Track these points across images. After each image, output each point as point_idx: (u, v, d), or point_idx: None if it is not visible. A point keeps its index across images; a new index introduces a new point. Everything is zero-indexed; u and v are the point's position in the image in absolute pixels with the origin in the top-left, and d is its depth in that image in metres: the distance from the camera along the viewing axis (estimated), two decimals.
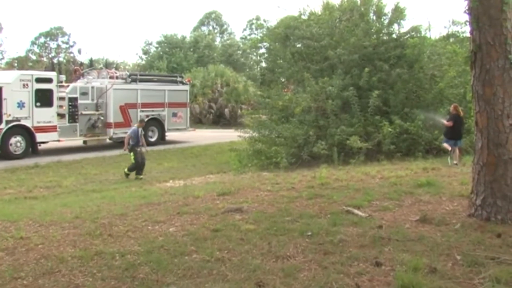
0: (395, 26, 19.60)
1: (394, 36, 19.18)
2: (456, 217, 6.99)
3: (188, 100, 27.88)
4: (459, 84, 16.82)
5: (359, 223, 6.92)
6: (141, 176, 15.92)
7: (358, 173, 12.49)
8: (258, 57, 62.43)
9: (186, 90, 27.15)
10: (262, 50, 61.01)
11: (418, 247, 5.73)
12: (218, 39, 65.97)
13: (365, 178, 11.61)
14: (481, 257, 5.30)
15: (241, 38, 66.84)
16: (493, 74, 6.49)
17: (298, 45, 21.10)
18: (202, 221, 7.59)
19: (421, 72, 17.51)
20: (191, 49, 54.03)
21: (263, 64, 57.83)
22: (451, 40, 21.46)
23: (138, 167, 16.06)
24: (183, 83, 27.01)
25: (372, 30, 19.23)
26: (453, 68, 17.18)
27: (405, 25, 19.62)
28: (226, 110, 40.10)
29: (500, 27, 6.44)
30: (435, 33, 33.23)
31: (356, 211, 7.68)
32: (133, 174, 16.21)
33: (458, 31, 23.12)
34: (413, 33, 18.87)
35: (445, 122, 13.89)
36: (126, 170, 16.10)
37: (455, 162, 13.48)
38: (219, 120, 40.26)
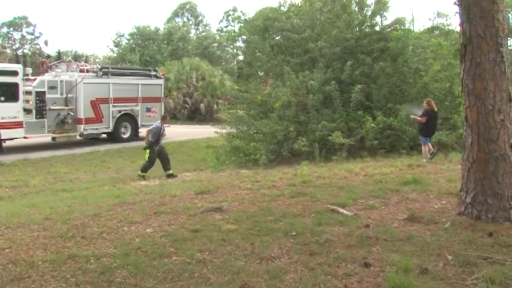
0: (378, 18, 19.70)
1: (377, 28, 19.25)
2: (445, 216, 7.01)
3: (163, 95, 27.64)
4: (444, 78, 16.94)
5: (345, 222, 6.90)
6: (146, 174, 15.22)
7: (341, 170, 12.50)
8: (235, 50, 62.38)
9: (160, 84, 26.92)
10: (239, 43, 61.23)
11: (407, 247, 5.73)
12: (193, 31, 65.60)
13: (349, 175, 11.63)
14: (473, 257, 5.31)
15: (217, 30, 66.73)
16: (484, 67, 6.50)
17: (277, 38, 21.08)
18: (181, 221, 7.48)
19: (405, 66, 17.58)
20: (165, 42, 53.62)
21: (240, 58, 57.98)
22: (436, 32, 21.61)
23: (149, 166, 15.36)
24: (157, 77, 26.76)
25: (355, 22, 19.27)
26: (438, 61, 17.30)
27: (389, 17, 19.74)
28: (202, 105, 39.90)
29: (491, 19, 6.45)
30: (419, 26, 33.63)
31: (341, 209, 7.67)
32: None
33: (443, 23, 23.36)
34: (396, 25, 18.94)
35: (418, 118, 13.85)
36: (139, 172, 15.30)
37: (430, 157, 13.53)
38: (194, 116, 40.04)
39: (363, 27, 19.24)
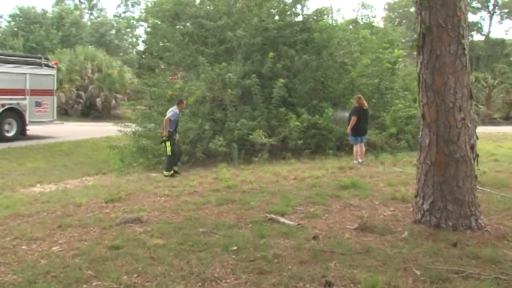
0: (300, 7, 19.66)
1: (300, 18, 19.21)
2: (400, 224, 6.90)
3: (55, 87, 26.01)
4: (373, 74, 17.19)
5: (290, 234, 6.59)
6: (172, 172, 13.70)
7: (266, 173, 12.34)
8: (135, 39, 60.82)
9: (53, 75, 25.17)
10: (140, 31, 59.63)
11: (368, 261, 5.49)
12: (86, 16, 63.09)
13: (277, 179, 11.53)
14: (444, 271, 5.16)
15: (115, 16, 64.60)
16: (444, 60, 6.42)
17: (189, 25, 20.54)
18: (94, 235, 6.86)
19: (330, 60, 17.65)
20: (54, 27, 50.84)
21: (140, 47, 56.49)
22: (354, 25, 21.97)
23: (175, 160, 14.00)
24: (48, 66, 25.01)
25: (273, 11, 19.12)
26: (366, 55, 17.53)
27: (311, 7, 19.81)
28: (98, 100, 38.28)
29: (453, 8, 6.38)
30: (340, 17, 34.38)
31: (281, 219, 7.37)
32: None
33: (367, 15, 23.91)
34: (319, 16, 18.96)
35: (352, 123, 13.79)
36: (165, 172, 13.77)
37: (360, 160, 13.62)
38: (90, 112, 38.38)
39: (284, 16, 19.10)
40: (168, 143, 13.73)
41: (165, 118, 13.81)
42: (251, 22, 17.93)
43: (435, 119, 6.51)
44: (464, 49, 6.42)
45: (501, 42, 51.73)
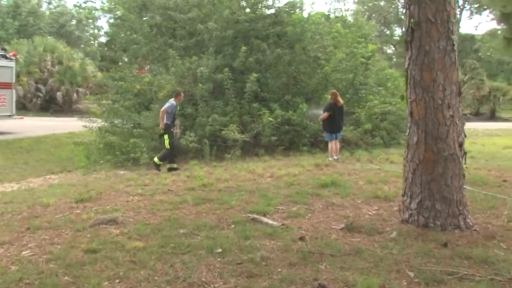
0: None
1: (272, 10, 19.13)
2: (387, 224, 6.89)
3: (14, 80, 25.34)
4: (347, 69, 17.24)
5: (275, 235, 6.51)
6: (175, 165, 13.63)
7: (240, 171, 12.25)
8: (97, 30, 59.84)
9: (11, 67, 24.52)
10: (102, 21, 58.57)
11: (359, 263, 5.45)
12: (44, 5, 61.65)
13: (252, 177, 11.45)
14: (437, 272, 5.14)
15: (75, 6, 63.27)
16: (433, 56, 6.42)
17: (157, 17, 20.28)
18: (67, 238, 6.64)
19: (303, 54, 17.63)
20: (10, 15, 49.58)
21: (102, 39, 55.49)
22: (332, 17, 22.07)
23: (173, 153, 13.80)
24: (6, 58, 24.40)
25: (244, 3, 19.00)
26: (340, 50, 17.57)
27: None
28: (59, 94, 37.47)
29: (443, 2, 6.38)
30: (311, 10, 34.37)
31: (264, 219, 7.29)
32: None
33: (340, 8, 24.01)
34: (291, 8, 18.92)
35: (322, 116, 13.88)
36: (156, 159, 13.65)
37: (335, 157, 13.66)
38: (49, 106, 37.55)
39: (256, 8, 18.98)
40: (166, 136, 13.64)
41: (162, 109, 13.68)
42: (222, 14, 17.78)
43: (424, 116, 6.52)
44: (453, 45, 6.44)
45: (471, 38, 52.56)
